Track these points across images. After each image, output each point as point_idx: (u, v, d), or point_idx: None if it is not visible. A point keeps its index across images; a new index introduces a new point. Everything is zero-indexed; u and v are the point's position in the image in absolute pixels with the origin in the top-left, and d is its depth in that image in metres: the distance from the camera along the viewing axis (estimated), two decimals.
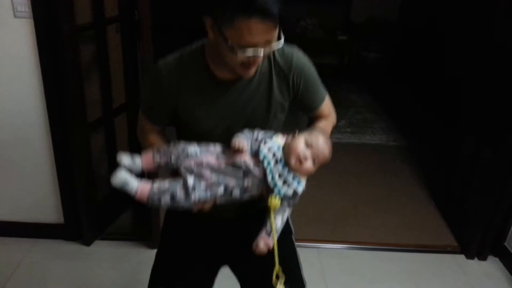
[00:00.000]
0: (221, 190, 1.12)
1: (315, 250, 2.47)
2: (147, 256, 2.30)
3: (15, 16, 1.96)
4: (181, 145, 1.16)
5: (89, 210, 2.36)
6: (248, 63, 1.07)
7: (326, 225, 2.70)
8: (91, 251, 2.39)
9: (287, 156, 1.11)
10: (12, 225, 2.39)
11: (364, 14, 5.50)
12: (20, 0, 1.92)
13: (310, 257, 2.41)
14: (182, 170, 1.13)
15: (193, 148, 1.14)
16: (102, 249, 2.40)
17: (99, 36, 2.27)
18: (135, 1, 2.10)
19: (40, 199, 2.34)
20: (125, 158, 1.17)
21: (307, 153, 1.11)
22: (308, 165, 1.11)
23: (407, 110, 4.61)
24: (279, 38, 1.07)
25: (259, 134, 1.16)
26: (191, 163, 1.12)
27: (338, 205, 2.91)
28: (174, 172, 1.18)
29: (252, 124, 1.20)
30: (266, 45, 1.03)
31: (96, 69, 2.32)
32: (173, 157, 1.15)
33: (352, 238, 2.59)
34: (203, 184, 1.11)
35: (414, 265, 2.42)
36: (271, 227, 1.14)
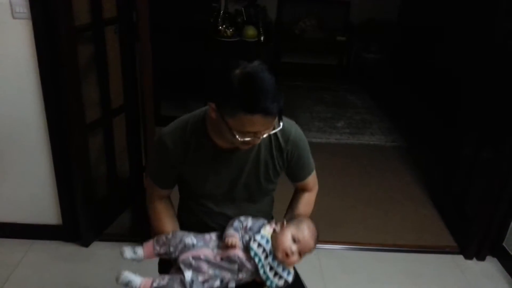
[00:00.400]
0: (217, 283, 1.19)
1: (314, 251, 2.46)
2: None
3: (13, 17, 1.96)
4: (179, 236, 1.25)
5: (88, 211, 2.36)
6: (248, 143, 1.14)
7: (325, 225, 2.69)
8: (89, 252, 2.38)
9: (275, 250, 1.20)
10: (10, 226, 2.39)
11: (364, 15, 5.51)
12: (19, 1, 1.92)
13: (309, 257, 2.39)
14: (181, 264, 1.20)
15: (190, 240, 1.23)
16: (101, 251, 2.40)
17: (97, 37, 2.27)
18: (133, 2, 2.10)
19: (38, 200, 2.34)
20: (127, 251, 1.30)
21: (294, 248, 1.21)
22: (294, 258, 1.21)
23: (407, 110, 4.61)
24: (279, 125, 1.13)
25: (248, 222, 1.25)
26: (189, 256, 1.20)
27: (337, 206, 2.91)
28: (173, 259, 1.26)
29: (250, 187, 1.30)
30: (266, 131, 1.11)
31: (94, 70, 2.32)
32: (171, 248, 1.24)
33: (351, 239, 2.59)
34: (200, 278, 1.18)
35: (413, 265, 2.42)
36: None
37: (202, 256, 1.19)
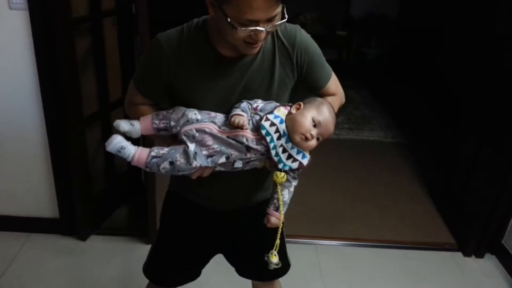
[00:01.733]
0: (223, 159, 1.09)
1: (313, 247, 2.46)
2: (142, 251, 2.27)
3: (10, 8, 1.93)
4: (181, 110, 1.13)
5: (85, 205, 2.35)
6: (250, 41, 1.03)
7: (323, 221, 2.69)
8: (86, 246, 2.37)
9: (291, 131, 1.08)
10: (7, 219, 2.37)
11: (364, 10, 5.48)
12: None
13: (307, 253, 2.40)
14: (183, 136, 1.09)
15: (193, 114, 1.11)
16: (98, 244, 2.38)
17: (95, 29, 2.24)
18: None
19: (35, 193, 2.32)
20: (123, 123, 1.15)
21: (314, 132, 1.09)
22: (312, 143, 1.09)
23: (406, 106, 4.60)
24: (283, 18, 1.03)
25: (259, 104, 1.13)
26: (192, 129, 1.09)
27: (336, 202, 2.90)
28: (173, 137, 1.15)
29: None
30: (267, 22, 0.99)
31: (92, 63, 2.29)
32: (172, 122, 1.12)
33: (349, 235, 2.58)
34: (204, 152, 1.08)
35: (412, 262, 2.42)
36: (278, 201, 1.13)
37: (207, 130, 1.08)
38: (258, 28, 0.98)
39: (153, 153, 1.09)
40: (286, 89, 1.20)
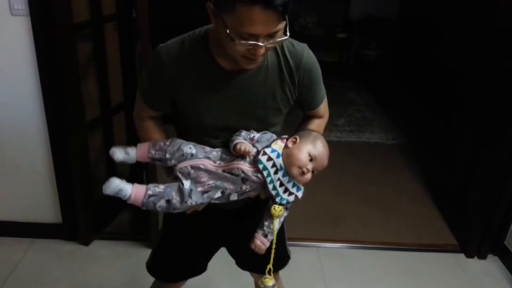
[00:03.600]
0: (218, 194, 1.11)
1: (315, 249, 2.46)
2: (145, 256, 2.27)
3: (11, 14, 1.94)
4: (177, 143, 1.15)
5: (87, 210, 2.35)
6: (248, 56, 1.01)
7: (325, 224, 2.70)
8: (89, 251, 2.37)
9: (288, 165, 1.11)
10: (10, 225, 2.38)
11: (363, 12, 5.49)
12: None
13: (309, 256, 2.40)
14: (178, 173, 1.12)
15: (188, 149, 1.13)
16: (100, 249, 2.39)
17: (96, 34, 2.25)
18: None
19: (38, 198, 2.33)
20: (118, 153, 1.17)
21: (310, 166, 1.11)
22: (308, 176, 1.12)
23: (407, 108, 4.60)
24: (285, 34, 1.02)
25: (255, 134, 1.14)
26: (187, 166, 1.11)
27: (338, 204, 2.90)
28: (168, 169, 1.17)
29: (253, 118, 1.16)
30: (268, 38, 0.98)
31: (93, 68, 2.30)
32: (168, 155, 1.14)
33: (351, 237, 2.58)
34: (200, 188, 1.10)
35: (414, 264, 2.41)
36: (270, 230, 1.17)
37: (201, 166, 1.10)
38: (257, 43, 0.97)
39: (149, 192, 1.12)
40: (287, 104, 1.20)
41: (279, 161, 1.10)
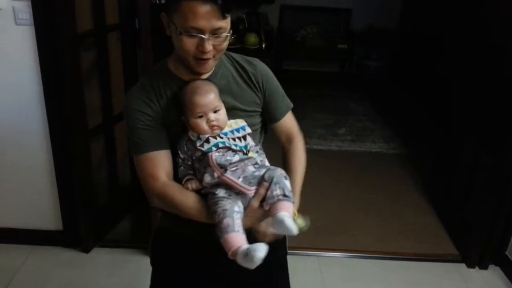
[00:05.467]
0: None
1: (315, 258, 2.46)
2: (146, 263, 2.25)
3: (16, 24, 1.97)
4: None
5: (88, 217, 2.36)
6: (198, 55, 1.07)
7: (326, 233, 2.69)
8: (89, 258, 2.38)
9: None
10: (11, 232, 2.38)
11: (364, 23, 5.53)
12: (22, 7, 1.94)
13: (310, 265, 2.40)
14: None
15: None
16: (101, 256, 2.39)
17: (99, 44, 2.28)
18: (135, 9, 2.11)
19: (39, 205, 2.34)
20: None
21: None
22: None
23: (408, 118, 4.61)
24: (229, 32, 1.08)
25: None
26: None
27: (338, 213, 2.90)
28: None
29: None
30: (212, 35, 1.04)
31: (96, 76, 2.33)
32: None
33: (352, 246, 2.57)
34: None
35: (414, 274, 2.41)
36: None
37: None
38: (202, 36, 1.03)
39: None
40: (254, 105, 1.23)
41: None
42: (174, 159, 1.17)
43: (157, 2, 2.31)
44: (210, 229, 1.09)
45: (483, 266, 2.47)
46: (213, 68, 1.16)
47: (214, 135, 1.12)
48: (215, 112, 1.11)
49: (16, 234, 2.39)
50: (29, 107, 2.12)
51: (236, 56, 1.24)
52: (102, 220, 2.49)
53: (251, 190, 1.08)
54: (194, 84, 1.13)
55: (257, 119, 1.25)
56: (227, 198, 1.07)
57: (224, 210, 1.05)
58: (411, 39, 5.15)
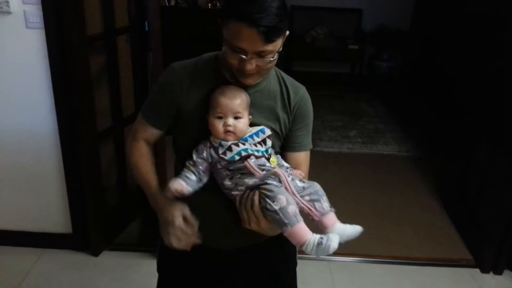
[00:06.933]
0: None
1: (326, 263, 2.43)
2: (154, 267, 2.26)
3: (27, 27, 1.98)
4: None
5: (98, 220, 2.36)
6: (240, 70, 1.08)
7: None
8: (99, 262, 2.37)
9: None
10: (20, 235, 2.39)
11: (375, 23, 5.48)
12: (32, 11, 1.95)
13: (321, 270, 2.37)
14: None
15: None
16: (110, 260, 2.39)
17: (109, 46, 2.28)
18: (145, 12, 2.10)
19: (48, 208, 2.34)
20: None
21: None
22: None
23: (420, 120, 4.56)
24: (273, 57, 1.07)
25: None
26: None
27: (350, 216, 2.83)
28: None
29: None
30: (256, 56, 1.05)
31: (106, 79, 2.33)
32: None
33: (363, 251, 2.54)
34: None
35: (427, 279, 2.36)
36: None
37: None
38: (242, 56, 1.04)
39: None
40: (281, 131, 1.22)
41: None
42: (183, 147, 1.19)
43: (167, 4, 2.30)
44: (210, 237, 1.10)
45: (498, 271, 2.43)
46: (258, 80, 1.16)
47: (227, 140, 1.11)
48: (235, 118, 1.11)
49: (26, 237, 2.40)
50: (39, 110, 2.13)
51: (286, 77, 1.24)
52: (111, 224, 2.49)
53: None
54: (226, 86, 1.13)
55: (278, 142, 1.23)
56: (280, 187, 1.06)
57: (287, 198, 1.04)
58: (423, 39, 5.09)
